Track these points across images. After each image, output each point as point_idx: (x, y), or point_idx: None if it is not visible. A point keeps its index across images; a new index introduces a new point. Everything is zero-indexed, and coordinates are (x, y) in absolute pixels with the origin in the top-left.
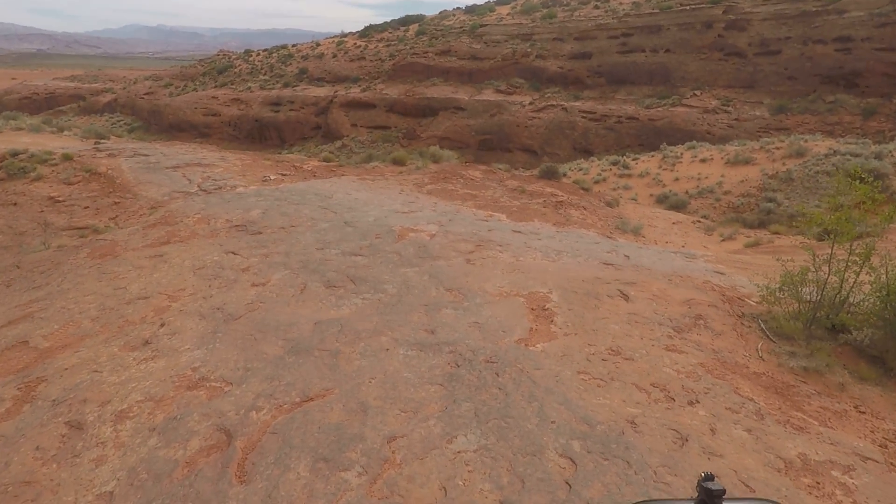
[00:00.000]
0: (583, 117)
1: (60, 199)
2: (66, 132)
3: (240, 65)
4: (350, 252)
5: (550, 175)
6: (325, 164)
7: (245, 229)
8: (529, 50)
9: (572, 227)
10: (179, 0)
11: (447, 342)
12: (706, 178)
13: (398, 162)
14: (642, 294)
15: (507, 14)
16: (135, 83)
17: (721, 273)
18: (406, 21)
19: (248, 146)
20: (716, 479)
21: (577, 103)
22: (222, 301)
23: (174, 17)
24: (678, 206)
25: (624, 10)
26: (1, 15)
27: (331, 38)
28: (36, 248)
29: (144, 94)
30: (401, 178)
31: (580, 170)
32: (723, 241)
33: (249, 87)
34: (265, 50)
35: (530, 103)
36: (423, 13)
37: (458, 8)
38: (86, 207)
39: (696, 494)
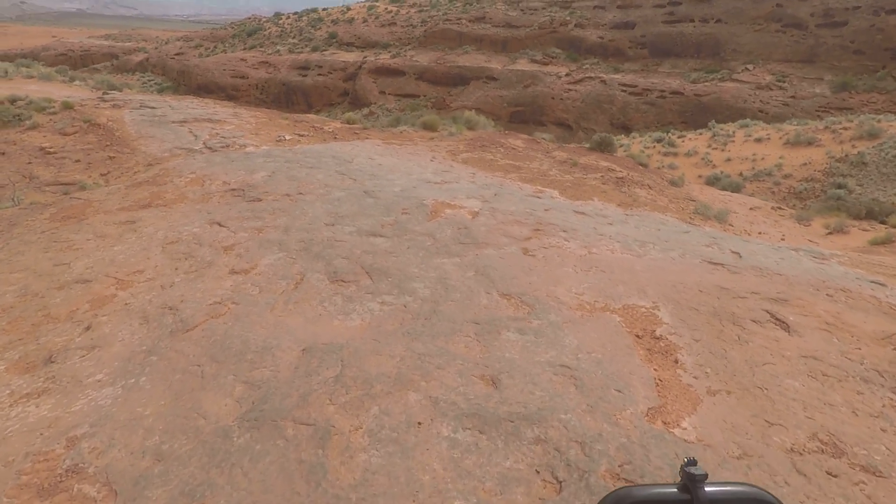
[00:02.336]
0: (622, 91)
1: (52, 150)
2: (77, 82)
3: (269, 28)
4: (368, 231)
5: (605, 147)
6: (348, 125)
7: (242, 195)
8: (568, 18)
9: (642, 208)
10: None
11: (525, 415)
12: (762, 159)
13: (429, 127)
14: (807, 320)
15: None
16: (166, 44)
17: (881, 284)
18: None
19: (274, 110)
20: (698, 463)
21: (616, 76)
22: (182, 295)
23: None
24: (731, 190)
25: None
26: None
27: (361, 2)
28: (3, 204)
29: (175, 55)
30: (432, 145)
31: (621, 146)
32: (829, 234)
33: (278, 51)
34: (295, 13)
35: (567, 75)
36: None
37: None
38: (77, 161)
39: (679, 479)
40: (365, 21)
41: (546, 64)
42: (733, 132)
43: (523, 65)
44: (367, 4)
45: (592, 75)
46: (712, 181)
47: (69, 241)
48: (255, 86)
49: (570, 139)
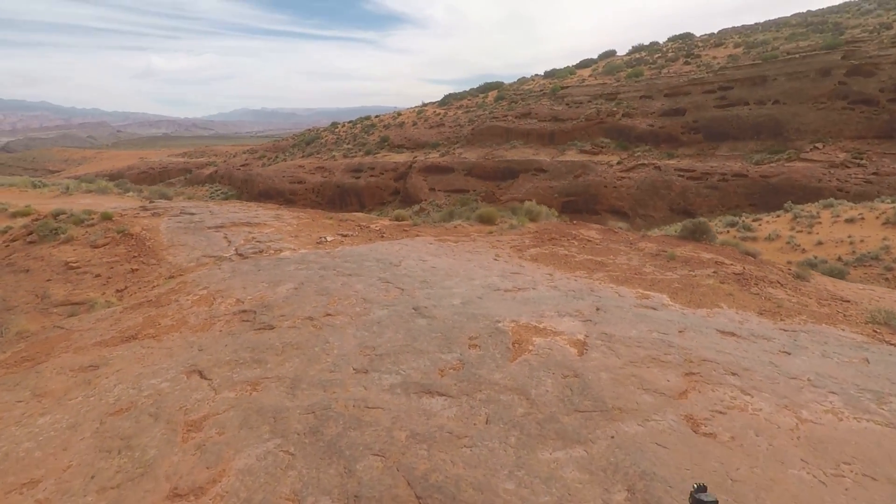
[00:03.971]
0: (679, 176)
1: (76, 264)
2: (130, 193)
3: (326, 136)
4: (419, 383)
5: (700, 234)
6: (396, 223)
7: (253, 319)
8: (615, 109)
9: (797, 319)
10: (279, 85)
11: None
12: (861, 241)
13: (486, 220)
14: None
15: (589, 76)
16: (234, 157)
17: None
18: (485, 89)
19: (329, 211)
20: (707, 490)
21: (671, 161)
22: None
23: (275, 100)
24: (833, 276)
25: (719, 63)
26: (136, 106)
27: (412, 108)
28: None
29: (241, 166)
30: (492, 240)
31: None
32: None
33: (333, 156)
34: (350, 122)
35: (618, 163)
36: (501, 82)
37: (536, 75)
38: (97, 276)
39: None
40: (415, 124)
41: (596, 153)
42: (817, 213)
43: (572, 155)
44: (417, 109)
45: (645, 162)
46: (809, 268)
47: None
48: (311, 189)
49: (628, 226)
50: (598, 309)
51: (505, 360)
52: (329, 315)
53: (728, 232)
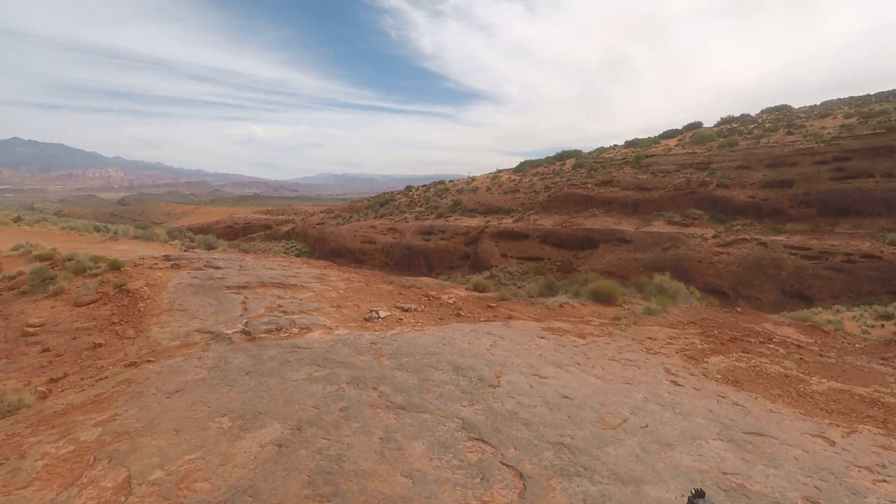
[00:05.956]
0: (791, 254)
1: (37, 328)
2: (175, 241)
3: (400, 198)
4: None
5: None
6: (476, 294)
7: None
8: (708, 179)
9: None
10: (361, 153)
11: None
12: None
13: (603, 297)
14: None
15: (676, 145)
16: (311, 216)
17: None
18: (562, 156)
19: (397, 272)
20: (706, 495)
21: (779, 237)
22: None
23: (356, 166)
24: None
25: (829, 133)
26: (234, 168)
27: (486, 174)
28: None
29: (316, 224)
30: (636, 335)
31: (828, 322)
32: None
33: (405, 218)
34: (424, 185)
35: (714, 236)
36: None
37: (616, 144)
38: (45, 350)
39: None
40: (488, 189)
41: (687, 225)
42: None
43: (660, 226)
44: (491, 175)
45: (747, 237)
46: None
47: None
48: (380, 250)
49: (730, 308)
50: None
51: None
52: None
53: (881, 326)
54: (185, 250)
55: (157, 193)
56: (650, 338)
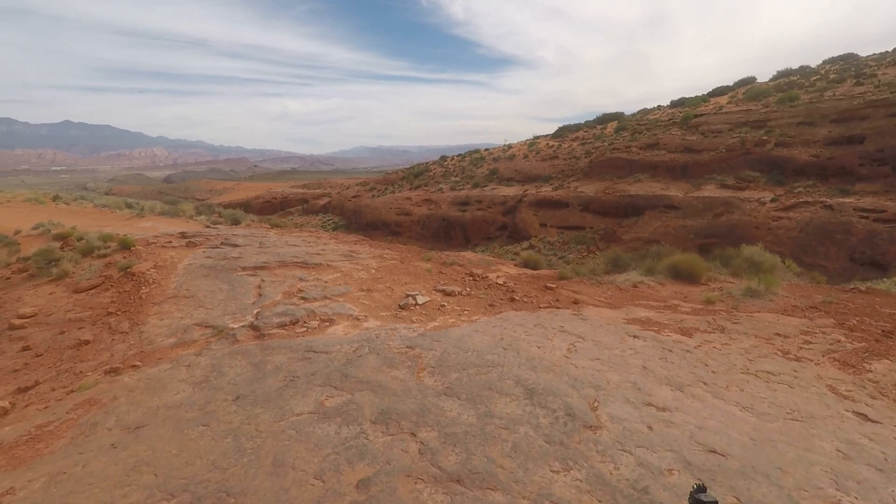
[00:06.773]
0: (862, 217)
1: (27, 320)
2: (201, 216)
3: (434, 169)
4: None
5: None
6: (528, 271)
7: None
8: (765, 137)
9: None
10: (395, 124)
11: None
12: None
13: (685, 274)
14: None
15: (728, 103)
16: (346, 189)
17: None
18: (603, 120)
19: (433, 244)
20: (708, 490)
21: (848, 199)
22: None
23: (390, 138)
24: None
25: None
26: (271, 144)
27: (523, 141)
28: None
29: (352, 197)
30: (755, 328)
31: None
32: None
33: (441, 188)
34: (459, 155)
35: (772, 200)
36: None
37: (660, 105)
38: (25, 349)
39: None
40: (526, 157)
41: (741, 189)
42: None
43: (711, 190)
44: (528, 141)
45: (810, 199)
46: None
47: None
48: (416, 222)
49: (844, 286)
50: None
51: None
52: None
53: None
54: (208, 226)
55: (200, 171)
56: (778, 333)
